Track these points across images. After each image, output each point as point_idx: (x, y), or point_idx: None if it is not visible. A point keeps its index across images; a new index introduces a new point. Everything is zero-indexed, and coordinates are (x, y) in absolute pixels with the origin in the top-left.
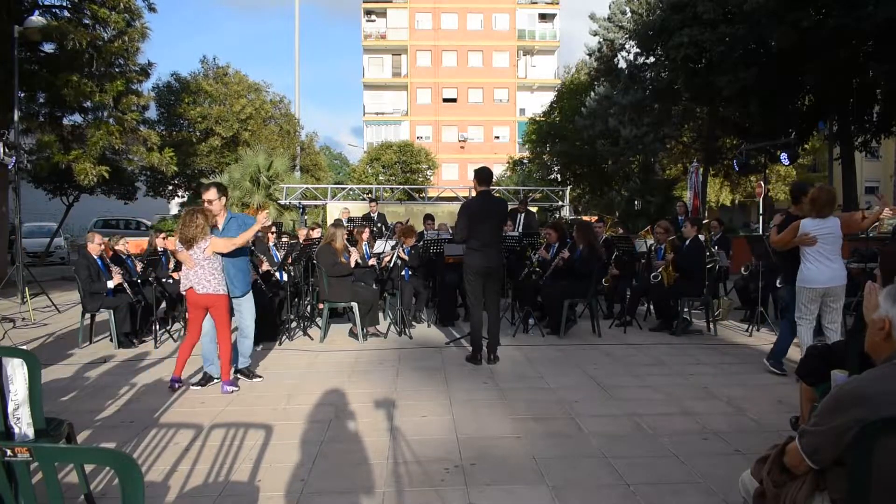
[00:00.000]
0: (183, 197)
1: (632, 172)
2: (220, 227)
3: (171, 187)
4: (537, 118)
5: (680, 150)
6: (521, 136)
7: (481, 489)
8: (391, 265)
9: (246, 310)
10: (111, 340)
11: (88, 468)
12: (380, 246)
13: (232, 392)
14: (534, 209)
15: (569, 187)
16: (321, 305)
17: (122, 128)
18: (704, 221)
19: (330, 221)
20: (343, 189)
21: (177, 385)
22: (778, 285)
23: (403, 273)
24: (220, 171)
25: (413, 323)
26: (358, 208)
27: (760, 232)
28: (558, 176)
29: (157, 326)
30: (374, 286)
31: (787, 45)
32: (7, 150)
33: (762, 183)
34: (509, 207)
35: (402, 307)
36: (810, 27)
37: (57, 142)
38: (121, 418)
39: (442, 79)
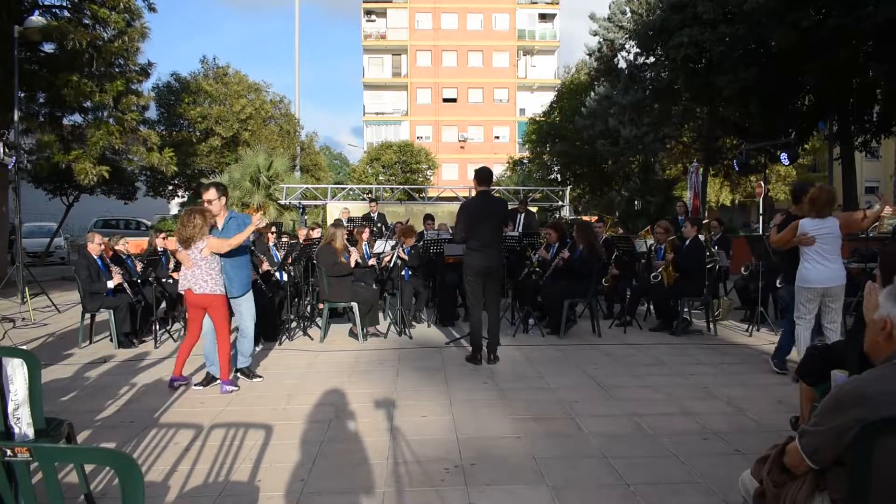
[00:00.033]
0: (183, 197)
1: (632, 172)
2: (220, 226)
3: (171, 187)
4: (537, 118)
5: (680, 150)
6: (521, 136)
7: (481, 489)
8: (391, 265)
9: (245, 310)
10: (111, 340)
11: (88, 468)
12: (380, 246)
13: (232, 392)
14: (534, 209)
15: (569, 187)
16: (321, 305)
17: (122, 128)
18: (704, 221)
19: (330, 221)
20: (343, 189)
21: (175, 384)
22: (778, 285)
23: (403, 273)
24: (220, 171)
25: (413, 323)
26: (358, 208)
27: (760, 232)
28: (558, 176)
29: (157, 326)
30: (374, 286)
31: (787, 45)
32: (7, 150)
33: (762, 183)
34: (509, 207)
35: (402, 307)
36: (810, 27)
37: (57, 142)
38: (121, 418)
39: (442, 79)
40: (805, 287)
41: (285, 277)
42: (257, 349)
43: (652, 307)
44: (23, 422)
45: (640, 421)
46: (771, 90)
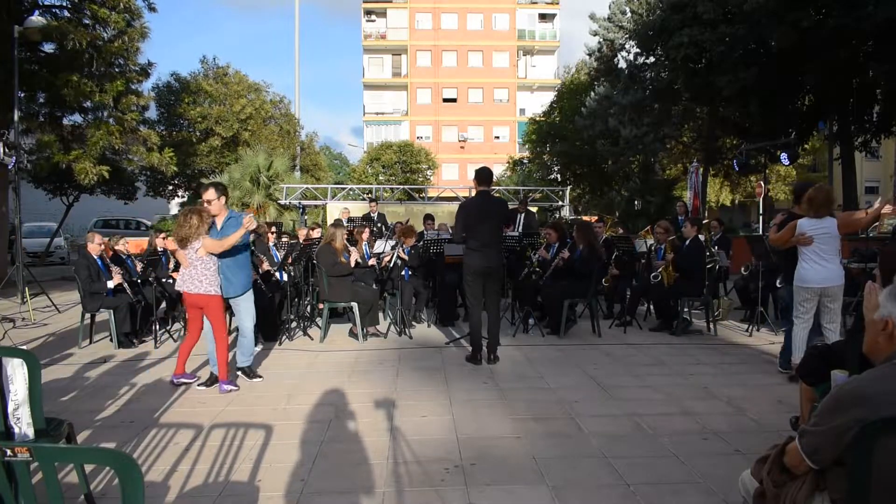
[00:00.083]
0: (183, 197)
1: (632, 172)
2: (219, 226)
3: (171, 187)
4: (537, 118)
5: (680, 150)
6: (521, 136)
7: (481, 489)
8: (391, 265)
9: (244, 310)
10: (111, 340)
11: (88, 468)
12: (380, 246)
13: (230, 392)
14: (534, 209)
15: (569, 187)
16: (321, 305)
17: (122, 128)
18: (704, 221)
19: (330, 221)
20: (343, 189)
21: (174, 381)
22: (778, 285)
23: (403, 273)
24: (220, 171)
25: (413, 323)
26: (358, 208)
27: (760, 232)
28: (558, 176)
29: (157, 326)
30: (374, 286)
31: (787, 45)
32: (7, 150)
33: (762, 183)
34: (510, 208)
35: (402, 307)
36: (810, 27)
37: (57, 142)
38: (121, 418)
39: (442, 79)
40: (803, 287)
41: (285, 277)
42: (257, 349)
43: (652, 307)
44: (23, 422)
45: (640, 421)
46: (771, 90)
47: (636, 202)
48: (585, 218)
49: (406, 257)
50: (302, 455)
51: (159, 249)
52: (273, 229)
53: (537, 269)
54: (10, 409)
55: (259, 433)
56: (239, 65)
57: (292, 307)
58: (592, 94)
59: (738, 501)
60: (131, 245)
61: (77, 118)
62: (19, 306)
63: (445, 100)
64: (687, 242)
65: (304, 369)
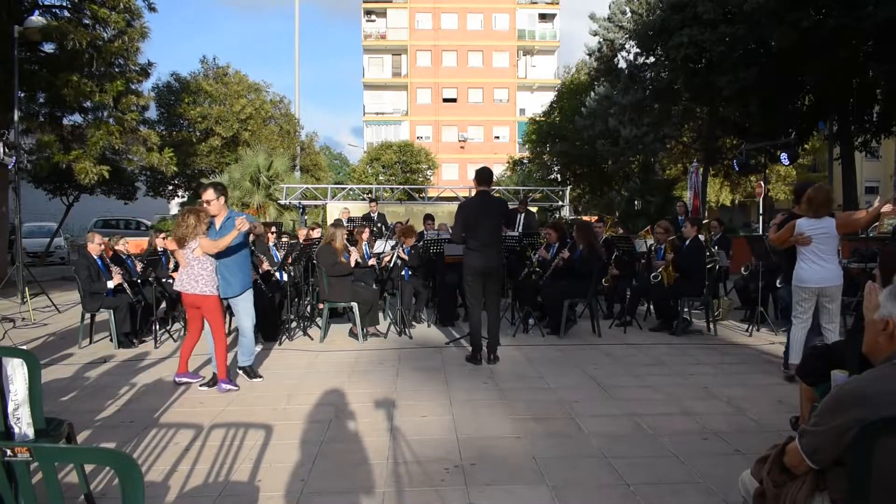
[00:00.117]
0: (183, 197)
1: (632, 172)
2: (218, 226)
3: (171, 187)
4: (537, 118)
5: (680, 150)
6: (521, 136)
7: (481, 489)
8: (391, 265)
9: (242, 310)
10: (111, 340)
11: (88, 468)
12: (380, 246)
13: (231, 391)
14: (534, 209)
15: (569, 187)
16: (321, 305)
17: (122, 128)
18: (704, 221)
19: (330, 221)
20: (343, 189)
21: (176, 381)
22: (778, 285)
23: (403, 273)
24: (220, 171)
25: (413, 323)
26: (358, 208)
27: (760, 232)
28: (558, 176)
29: (157, 326)
30: (374, 286)
31: (787, 45)
32: (7, 150)
33: (762, 183)
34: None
35: (402, 307)
36: (810, 27)
37: (57, 142)
38: (121, 418)
39: (442, 79)
40: (800, 287)
41: (285, 277)
42: (257, 349)
43: (652, 307)
44: (23, 422)
45: (640, 421)
46: (771, 90)
47: (636, 202)
48: (585, 218)
49: (406, 257)
50: (302, 455)
51: (159, 249)
52: (273, 229)
53: (537, 269)
54: (10, 409)
55: (259, 433)
56: (239, 65)
57: (292, 307)
58: (592, 94)
59: (738, 501)
60: (131, 245)
61: (77, 118)
62: (19, 306)
63: (445, 100)
64: (687, 242)
65: (304, 369)
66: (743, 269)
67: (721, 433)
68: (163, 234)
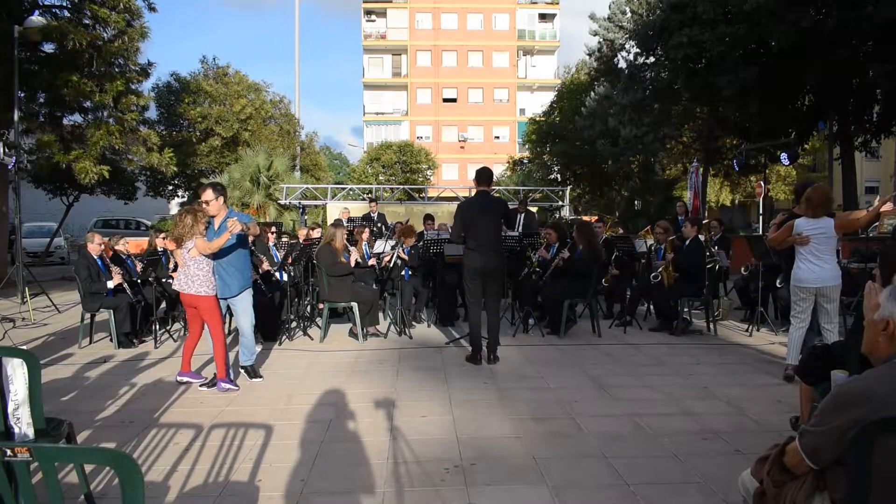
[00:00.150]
0: (183, 197)
1: (632, 172)
2: (217, 227)
3: (171, 187)
4: (537, 118)
5: (680, 150)
6: (521, 136)
7: (481, 489)
8: (391, 265)
9: (241, 310)
10: (111, 340)
11: (88, 468)
12: (380, 246)
13: (229, 390)
14: (534, 209)
15: (569, 187)
16: (321, 305)
17: (122, 128)
18: (704, 221)
19: (330, 221)
20: (343, 189)
21: (178, 380)
22: (778, 285)
23: (403, 273)
24: (220, 171)
25: (413, 323)
26: (358, 208)
27: (760, 232)
28: (558, 176)
29: (157, 326)
30: (374, 286)
31: (787, 45)
32: (7, 150)
33: (762, 183)
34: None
35: (402, 307)
36: (810, 27)
37: (57, 142)
38: (121, 418)
39: (442, 79)
40: (798, 286)
41: (285, 277)
42: (258, 349)
43: (652, 307)
44: (23, 422)
45: (640, 421)
46: (771, 90)
47: (636, 202)
48: (585, 218)
49: (406, 257)
50: (302, 455)
51: (159, 249)
52: (273, 229)
53: (537, 269)
54: (10, 409)
55: (259, 433)
56: (239, 65)
57: (292, 307)
58: (592, 94)
59: (738, 501)
60: (131, 245)
61: (77, 118)
62: (19, 306)
63: (445, 100)
64: (687, 242)
65: (304, 369)
66: (743, 269)
67: (721, 433)
68: (163, 234)
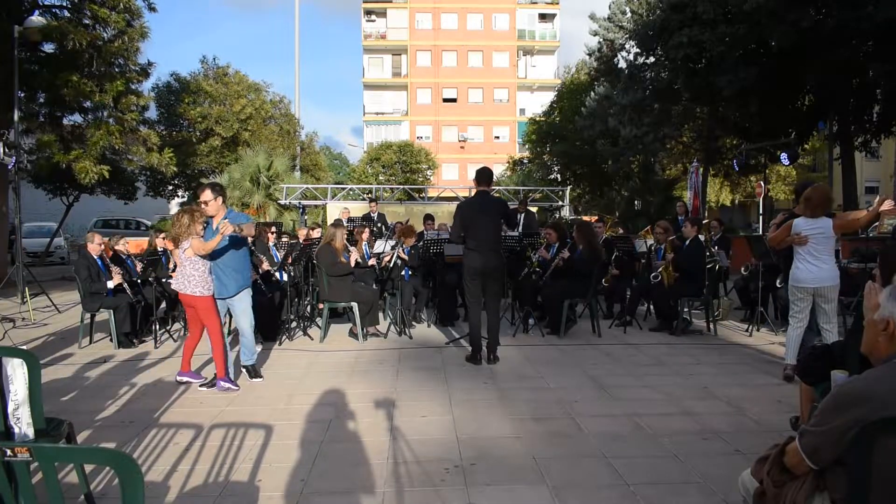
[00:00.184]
0: (183, 197)
1: (632, 172)
2: (215, 227)
3: (171, 187)
4: (537, 118)
5: (680, 150)
6: (521, 136)
7: (481, 489)
8: (391, 265)
9: (239, 311)
10: (111, 340)
11: (88, 468)
12: (380, 246)
13: (228, 390)
14: (534, 209)
15: (569, 187)
16: (321, 305)
17: (122, 128)
18: (704, 221)
19: (330, 221)
20: (343, 189)
21: (177, 379)
22: (778, 285)
23: (403, 273)
24: (220, 171)
25: (413, 323)
26: (358, 208)
27: (760, 232)
28: (558, 176)
29: (157, 326)
30: (374, 286)
31: (787, 45)
32: (7, 150)
33: (762, 183)
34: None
35: (402, 307)
36: (810, 27)
37: (57, 142)
38: (121, 418)
39: (442, 79)
40: (795, 286)
41: (285, 277)
42: (258, 349)
43: (652, 307)
44: (23, 422)
45: (640, 421)
46: (771, 90)
47: (636, 202)
48: (585, 218)
49: (406, 257)
50: (302, 455)
51: (159, 249)
52: (273, 229)
53: (537, 269)
54: (10, 409)
55: (259, 433)
56: (239, 65)
57: (292, 307)
58: (592, 94)
59: (738, 501)
60: (131, 245)
61: (77, 118)
62: (19, 306)
63: (445, 100)
64: (687, 242)
65: (304, 369)
66: (743, 269)
67: (721, 433)
68: (163, 234)
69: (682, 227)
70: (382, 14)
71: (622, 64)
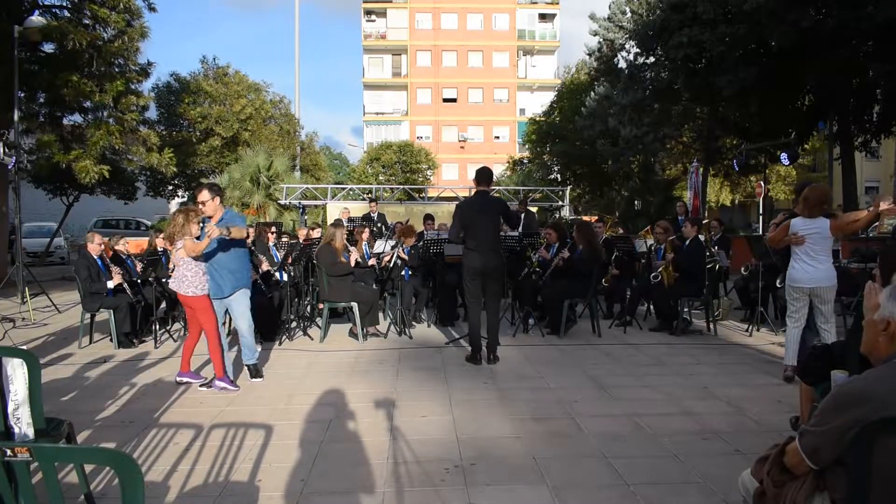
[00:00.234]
0: (183, 197)
1: (632, 172)
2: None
3: (171, 187)
4: (537, 118)
5: (680, 150)
6: (521, 136)
7: (481, 489)
8: (391, 265)
9: (236, 311)
10: (111, 340)
11: (88, 468)
12: (380, 246)
13: (224, 389)
14: (534, 209)
15: (569, 187)
16: (321, 305)
17: (122, 128)
18: (704, 221)
19: (330, 221)
20: (343, 189)
21: (177, 380)
22: (778, 285)
23: (403, 273)
24: (220, 171)
25: (413, 323)
26: (358, 208)
27: (760, 232)
28: (558, 176)
29: (157, 326)
30: (374, 286)
31: (787, 45)
32: (7, 150)
33: (762, 183)
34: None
35: (402, 307)
36: (810, 27)
37: (57, 142)
38: (121, 418)
39: (442, 79)
40: (792, 286)
41: (285, 277)
42: (258, 349)
43: (652, 307)
44: (23, 422)
45: (640, 421)
46: (771, 90)
47: (636, 202)
48: (585, 218)
49: (406, 257)
50: (302, 455)
51: (159, 249)
52: (273, 229)
53: (537, 269)
54: (10, 409)
55: (259, 433)
56: (239, 65)
57: (292, 307)
58: (592, 94)
59: (738, 501)
60: (131, 245)
61: (77, 118)
62: (19, 306)
63: (445, 100)
64: (687, 242)
65: (304, 369)
66: (743, 269)
67: (721, 433)
68: (163, 234)
69: (682, 227)
70: (382, 14)
71: (622, 64)
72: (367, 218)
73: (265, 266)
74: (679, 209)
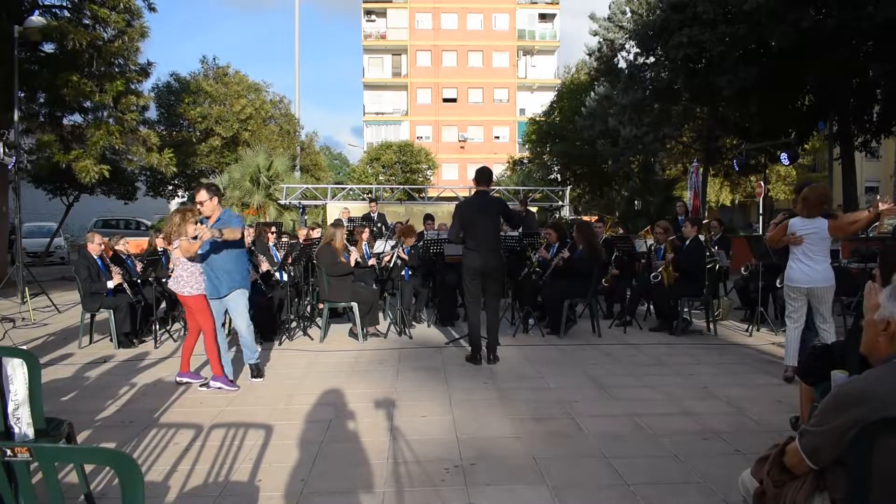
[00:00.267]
0: (183, 197)
1: (632, 172)
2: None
3: (171, 187)
4: (537, 118)
5: (680, 150)
6: (521, 136)
7: (481, 489)
8: (391, 265)
9: (234, 311)
10: (111, 340)
11: (88, 468)
12: (380, 246)
13: (220, 389)
14: (534, 209)
15: (569, 187)
16: (321, 305)
17: (122, 128)
18: (704, 221)
19: (330, 221)
20: (343, 189)
21: (177, 380)
22: (778, 285)
23: (403, 273)
24: (220, 171)
25: (413, 323)
26: (358, 208)
27: (760, 232)
28: (558, 176)
29: (157, 326)
30: (374, 286)
31: (787, 45)
32: (7, 150)
33: (762, 183)
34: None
35: (402, 307)
36: (810, 27)
37: (57, 142)
38: (121, 418)
39: (442, 79)
40: (790, 286)
41: (285, 277)
42: (258, 348)
43: (652, 307)
44: (23, 422)
45: (640, 421)
46: (771, 90)
47: (636, 202)
48: (585, 218)
49: (406, 257)
50: (302, 455)
51: (159, 249)
52: (273, 229)
53: (537, 269)
54: (10, 409)
55: (259, 433)
56: (239, 65)
57: (292, 307)
58: (592, 94)
59: (738, 501)
60: (131, 245)
61: (77, 118)
62: (19, 306)
63: (445, 100)
64: (687, 242)
65: (304, 369)
66: (743, 269)
67: (721, 433)
68: (162, 234)
69: (682, 227)
70: (382, 14)
71: (622, 64)
72: (367, 218)
73: (265, 266)
74: (679, 209)
